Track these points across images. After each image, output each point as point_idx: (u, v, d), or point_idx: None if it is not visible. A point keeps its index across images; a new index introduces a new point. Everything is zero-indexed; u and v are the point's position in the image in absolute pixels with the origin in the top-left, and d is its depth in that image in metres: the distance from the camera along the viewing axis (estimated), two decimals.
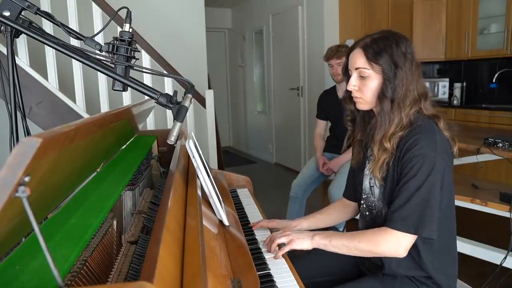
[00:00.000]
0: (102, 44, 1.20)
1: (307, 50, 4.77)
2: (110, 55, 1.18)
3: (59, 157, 0.61)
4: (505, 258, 1.93)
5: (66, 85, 2.69)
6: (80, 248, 0.68)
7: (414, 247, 1.09)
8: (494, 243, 2.11)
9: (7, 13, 1.24)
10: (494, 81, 3.37)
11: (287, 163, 5.41)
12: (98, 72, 1.54)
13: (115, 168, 1.18)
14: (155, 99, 1.16)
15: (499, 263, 1.95)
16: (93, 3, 2.48)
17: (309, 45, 4.73)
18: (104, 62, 1.21)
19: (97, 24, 2.50)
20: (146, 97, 1.21)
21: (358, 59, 1.11)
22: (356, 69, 1.12)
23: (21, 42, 2.36)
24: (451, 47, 3.81)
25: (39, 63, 2.52)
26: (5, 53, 1.39)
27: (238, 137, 7.18)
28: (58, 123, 2.19)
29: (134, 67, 1.20)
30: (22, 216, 0.50)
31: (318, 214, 1.39)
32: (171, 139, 1.11)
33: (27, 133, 1.57)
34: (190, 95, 1.16)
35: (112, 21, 1.36)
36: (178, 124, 1.12)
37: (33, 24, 1.32)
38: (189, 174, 1.23)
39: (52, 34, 1.61)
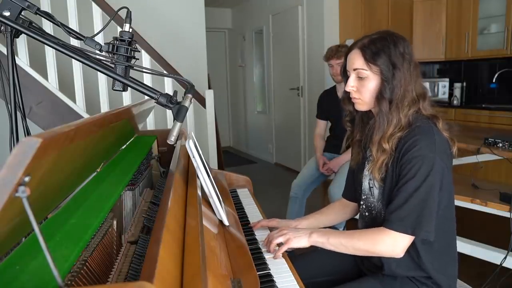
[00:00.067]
0: (102, 44, 1.20)
1: (307, 50, 4.77)
2: (110, 55, 1.18)
3: (59, 157, 0.61)
4: (505, 258, 1.93)
5: (66, 85, 2.69)
6: (80, 248, 0.68)
7: (414, 248, 1.09)
8: (494, 243, 2.11)
9: (7, 13, 1.24)
10: (494, 81, 3.37)
11: (287, 163, 5.41)
12: (98, 72, 1.54)
13: (115, 168, 1.18)
14: (155, 99, 1.16)
15: (499, 263, 1.95)
16: (93, 3, 2.48)
17: (309, 45, 4.73)
18: (104, 62, 1.22)
19: (97, 24, 2.50)
20: (146, 97, 1.21)
21: (356, 60, 1.11)
22: (354, 70, 1.12)
23: (21, 42, 2.36)
24: (451, 47, 3.81)
25: (39, 63, 2.52)
26: (5, 53, 1.39)
27: (238, 137, 7.18)
28: (58, 123, 2.19)
29: (134, 67, 1.20)
30: (22, 216, 0.50)
31: (318, 214, 1.39)
32: (171, 139, 1.11)
33: (27, 133, 1.57)
34: (190, 95, 1.16)
35: (112, 21, 1.36)
36: (178, 124, 1.12)
37: (33, 24, 1.32)
38: (189, 174, 1.23)
39: (52, 34, 1.62)
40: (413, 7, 3.86)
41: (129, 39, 1.18)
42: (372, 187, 1.19)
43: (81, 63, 1.60)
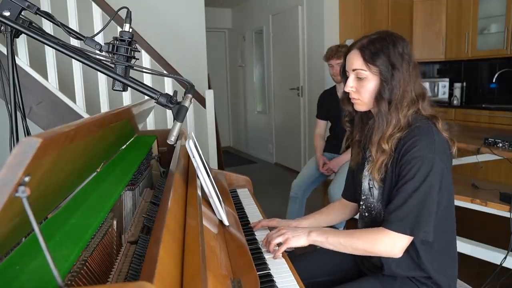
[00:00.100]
0: (102, 44, 1.20)
1: (307, 50, 4.77)
2: (110, 55, 1.18)
3: (59, 157, 0.61)
4: (505, 258, 1.93)
5: (66, 85, 2.69)
6: (80, 248, 0.68)
7: (414, 248, 1.09)
8: (494, 243, 2.11)
9: (7, 13, 1.24)
10: (494, 81, 3.37)
11: (287, 163, 5.41)
12: (98, 72, 1.54)
13: (115, 168, 1.18)
14: (155, 99, 1.16)
15: (499, 263, 1.95)
16: (93, 3, 2.48)
17: (309, 45, 4.73)
18: (104, 62, 1.22)
19: (97, 24, 2.50)
20: (146, 97, 1.21)
21: (355, 61, 1.11)
22: (353, 70, 1.12)
23: (21, 42, 2.36)
24: (451, 47, 3.81)
25: (39, 63, 2.52)
26: (5, 53, 1.39)
27: (238, 137, 7.18)
28: (58, 123, 2.19)
29: (134, 67, 1.20)
30: (22, 216, 0.50)
31: (318, 214, 1.39)
32: (171, 139, 1.11)
33: (27, 133, 1.57)
34: (190, 95, 1.16)
35: (112, 21, 1.36)
36: (178, 124, 1.12)
37: (33, 24, 1.32)
38: (189, 174, 1.23)
39: (52, 34, 1.62)
40: (413, 7, 3.86)
41: (129, 39, 1.18)
42: (372, 188, 1.19)
43: (81, 63, 1.60)
